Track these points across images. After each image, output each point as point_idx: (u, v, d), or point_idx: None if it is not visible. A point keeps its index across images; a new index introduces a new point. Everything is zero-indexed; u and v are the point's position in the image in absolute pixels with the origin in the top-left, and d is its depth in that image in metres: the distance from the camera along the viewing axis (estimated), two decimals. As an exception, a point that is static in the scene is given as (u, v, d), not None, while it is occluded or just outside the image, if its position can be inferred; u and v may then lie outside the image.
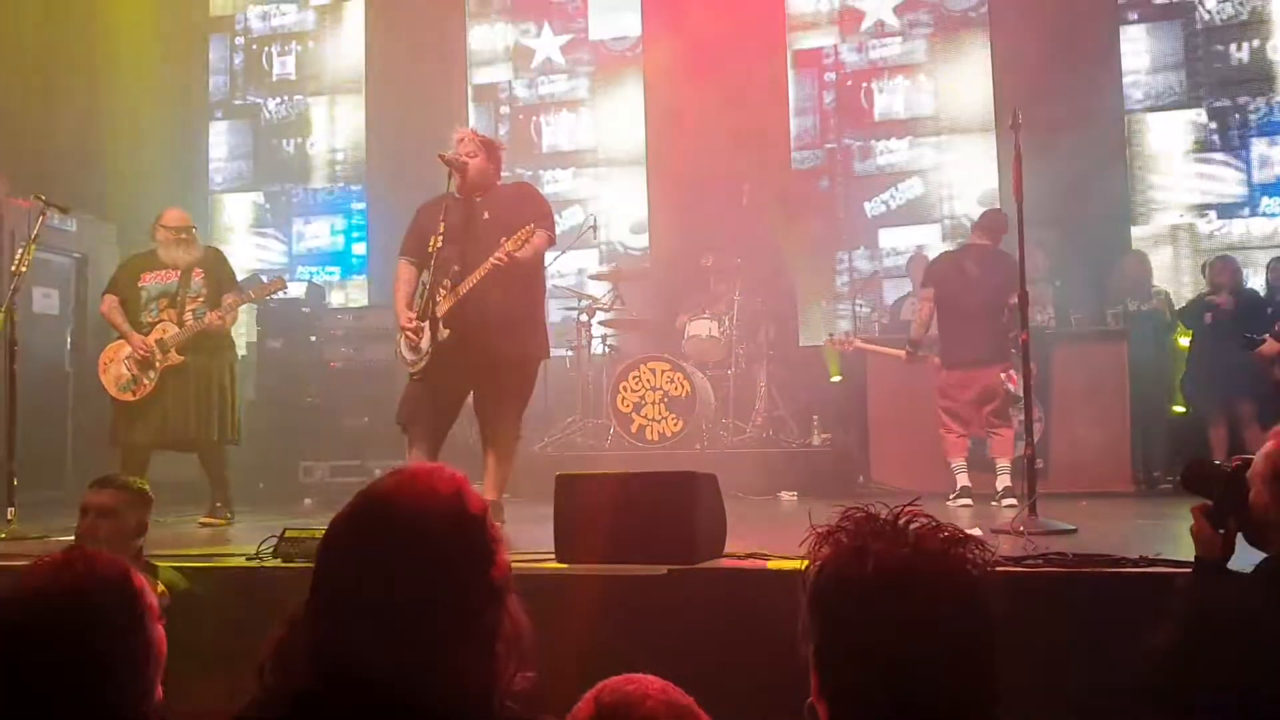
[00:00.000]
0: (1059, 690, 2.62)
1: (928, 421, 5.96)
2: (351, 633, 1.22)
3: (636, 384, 6.92)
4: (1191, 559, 2.31)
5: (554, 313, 8.05)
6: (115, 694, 1.47)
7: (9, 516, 4.83)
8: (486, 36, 9.42)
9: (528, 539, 3.70)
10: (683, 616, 3.08)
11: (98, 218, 7.98)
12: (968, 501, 5.56)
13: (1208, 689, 2.01)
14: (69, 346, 7.91)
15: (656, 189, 8.77)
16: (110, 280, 5.67)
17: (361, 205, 9.50)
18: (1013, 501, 5.29)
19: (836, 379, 7.34)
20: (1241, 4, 7.71)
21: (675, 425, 6.82)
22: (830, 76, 8.66)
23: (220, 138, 9.82)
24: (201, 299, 5.45)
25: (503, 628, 1.27)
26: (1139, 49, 7.94)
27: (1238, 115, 7.70)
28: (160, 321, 5.40)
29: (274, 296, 6.43)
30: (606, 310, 7.57)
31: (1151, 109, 7.88)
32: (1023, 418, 5.06)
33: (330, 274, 9.47)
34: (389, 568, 1.24)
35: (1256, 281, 7.02)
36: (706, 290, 7.57)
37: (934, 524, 1.23)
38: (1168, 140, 7.84)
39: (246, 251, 9.46)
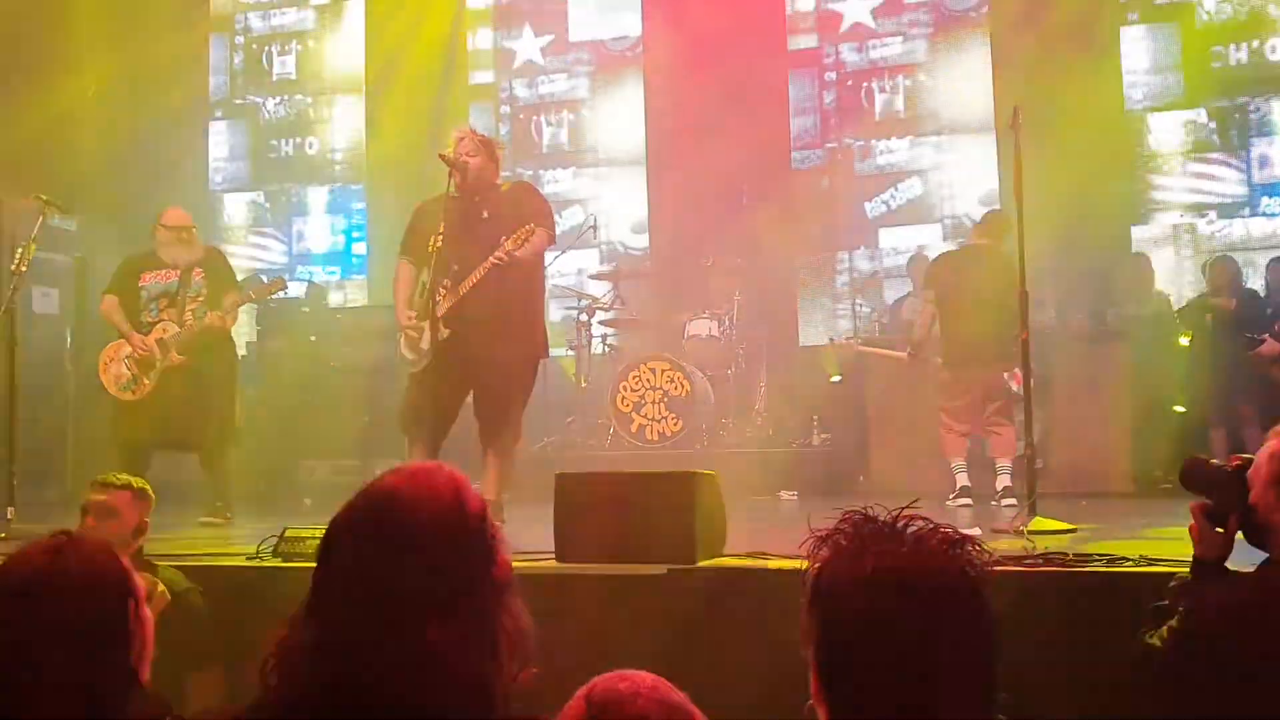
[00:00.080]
0: (1059, 690, 2.62)
1: (928, 421, 5.96)
2: (352, 632, 1.23)
3: (636, 383, 6.92)
4: (1190, 558, 2.31)
5: (554, 312, 8.06)
6: (99, 673, 1.48)
7: (9, 516, 4.82)
8: (484, 37, 9.42)
9: (528, 539, 3.70)
10: (683, 616, 3.08)
11: (97, 217, 7.98)
12: (967, 501, 5.56)
13: (1208, 689, 2.01)
14: (69, 346, 7.91)
15: (656, 189, 8.77)
16: (110, 280, 5.66)
17: (361, 205, 9.50)
18: (1012, 501, 5.28)
19: (836, 379, 7.34)
20: (1241, 4, 7.71)
21: (675, 425, 6.82)
22: (830, 76, 8.66)
23: (220, 137, 9.82)
24: (202, 299, 5.45)
25: (504, 627, 1.27)
26: (1139, 49, 7.93)
27: (1237, 115, 7.70)
28: (160, 321, 5.40)
29: (274, 296, 6.43)
30: (606, 310, 7.57)
31: (1151, 109, 7.87)
32: (1022, 416, 5.05)
33: (330, 274, 9.47)
34: (388, 567, 1.24)
35: (1256, 282, 7.02)
36: (707, 290, 7.57)
37: (932, 526, 1.23)
38: (1168, 140, 7.84)
39: (246, 251, 9.46)
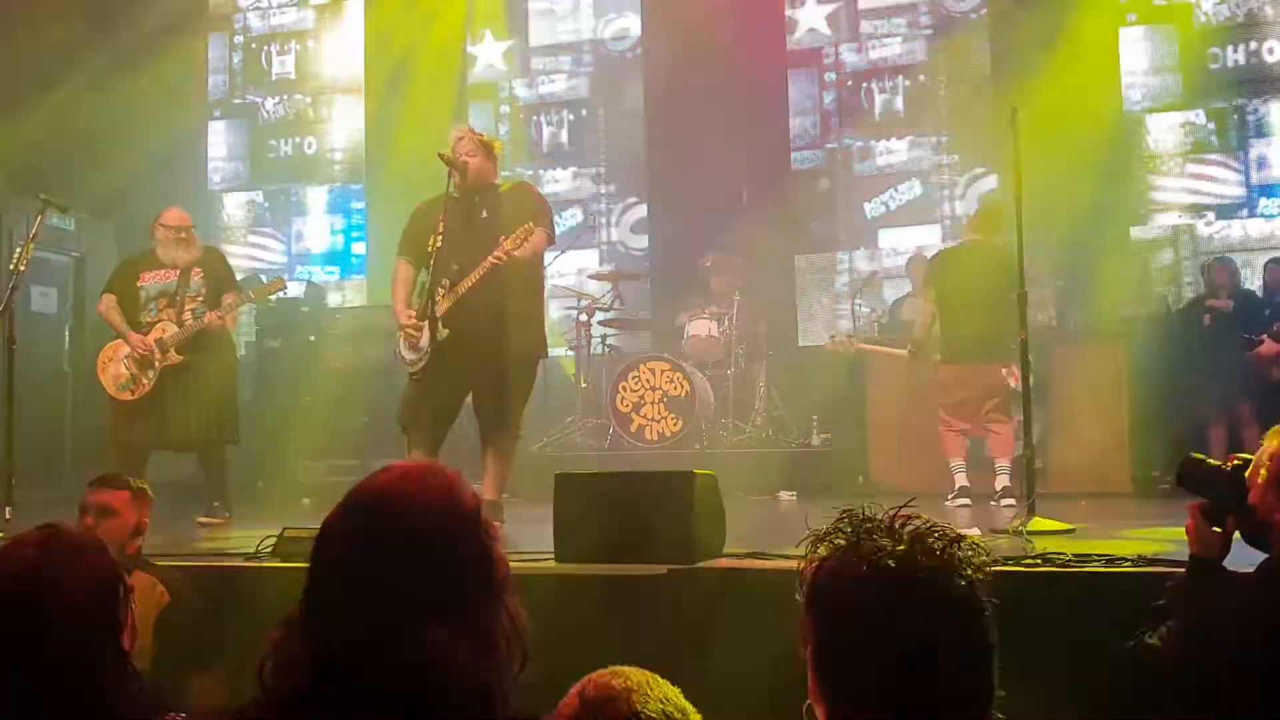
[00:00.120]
0: (1057, 690, 2.62)
1: (927, 421, 5.96)
2: (346, 632, 1.22)
3: (636, 384, 6.92)
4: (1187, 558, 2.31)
5: (554, 312, 8.06)
6: (95, 665, 1.48)
7: (6, 515, 4.82)
8: (483, 37, 9.42)
9: (527, 539, 3.70)
10: (682, 616, 3.08)
11: (96, 217, 7.98)
12: (966, 501, 5.56)
13: (1210, 689, 2.01)
14: (67, 346, 7.91)
15: (656, 189, 8.77)
16: (109, 279, 5.66)
17: (361, 205, 9.49)
18: (1011, 501, 5.28)
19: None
20: (1238, 6, 7.71)
21: (675, 425, 6.82)
22: (830, 77, 8.67)
23: (219, 137, 9.81)
24: (201, 299, 5.45)
25: (501, 626, 1.27)
26: (1138, 50, 7.94)
27: (1236, 116, 7.70)
28: (159, 321, 5.40)
29: (273, 296, 6.43)
30: (606, 310, 7.57)
31: (1150, 110, 7.88)
32: (1021, 417, 5.05)
33: (330, 274, 9.47)
34: (381, 566, 1.24)
35: (1255, 283, 7.02)
36: (706, 290, 7.57)
37: (930, 524, 1.23)
38: (1166, 141, 7.85)
39: (245, 251, 9.46)
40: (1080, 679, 2.69)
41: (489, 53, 9.38)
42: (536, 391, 5.07)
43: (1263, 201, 7.64)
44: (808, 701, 1.23)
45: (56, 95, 8.00)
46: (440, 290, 4.48)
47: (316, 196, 9.60)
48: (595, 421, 7.24)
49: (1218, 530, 2.21)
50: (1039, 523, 4.04)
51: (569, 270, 8.40)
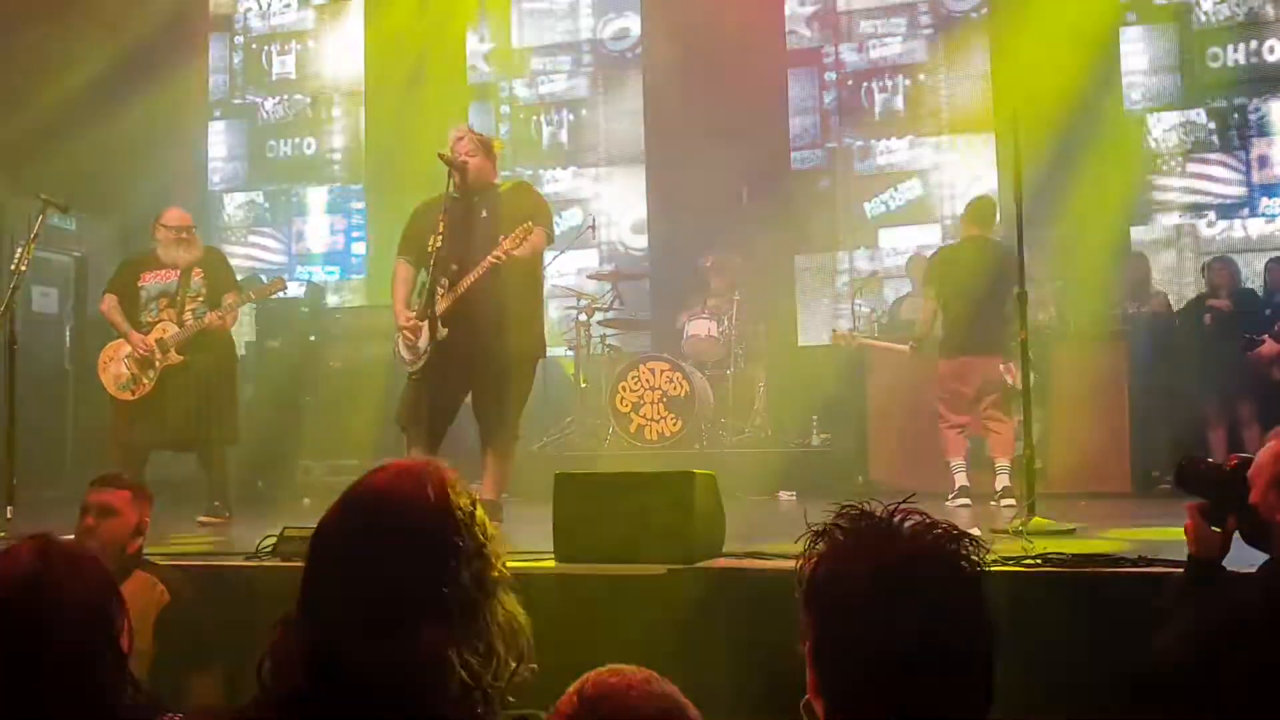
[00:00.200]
0: (1057, 689, 2.62)
1: (927, 422, 5.96)
2: (343, 630, 1.23)
3: (635, 384, 6.92)
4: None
5: (553, 312, 8.06)
6: (93, 671, 1.49)
7: (7, 515, 4.81)
8: (482, 37, 9.42)
9: (527, 538, 3.70)
10: (681, 616, 3.08)
11: (97, 217, 7.98)
12: (966, 501, 5.56)
13: (1208, 688, 2.01)
14: (68, 346, 7.91)
15: (656, 189, 8.77)
16: (109, 279, 5.67)
17: (361, 205, 9.49)
18: (1011, 501, 5.28)
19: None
20: (1238, 5, 7.71)
21: (674, 425, 6.82)
22: (830, 76, 8.67)
23: (219, 137, 9.82)
24: (201, 299, 5.45)
25: (497, 625, 1.27)
26: (1137, 49, 7.94)
27: (1236, 116, 7.70)
28: (160, 321, 5.40)
29: (273, 296, 6.43)
30: (606, 310, 7.58)
31: (1150, 109, 7.88)
32: (1021, 417, 5.06)
33: (330, 274, 9.47)
34: (377, 564, 1.24)
35: (1256, 283, 7.02)
36: (706, 290, 7.57)
37: (928, 521, 1.23)
38: (1167, 141, 7.85)
39: (246, 251, 9.46)
40: (1080, 679, 2.69)
41: (488, 53, 9.38)
42: (536, 391, 5.07)
43: (1264, 201, 7.64)
44: (806, 698, 1.23)
45: (57, 94, 8.01)
46: (440, 290, 4.48)
47: (316, 196, 9.61)
48: (595, 421, 7.24)
49: (1217, 530, 2.21)
50: (1039, 523, 4.04)
51: (569, 270, 8.40)
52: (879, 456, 6.69)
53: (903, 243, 8.32)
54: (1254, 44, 7.68)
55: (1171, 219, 7.86)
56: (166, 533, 4.22)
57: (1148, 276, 7.12)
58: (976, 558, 1.21)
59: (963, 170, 8.27)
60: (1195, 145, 7.77)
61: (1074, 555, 3.15)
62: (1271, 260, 6.86)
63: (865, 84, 8.58)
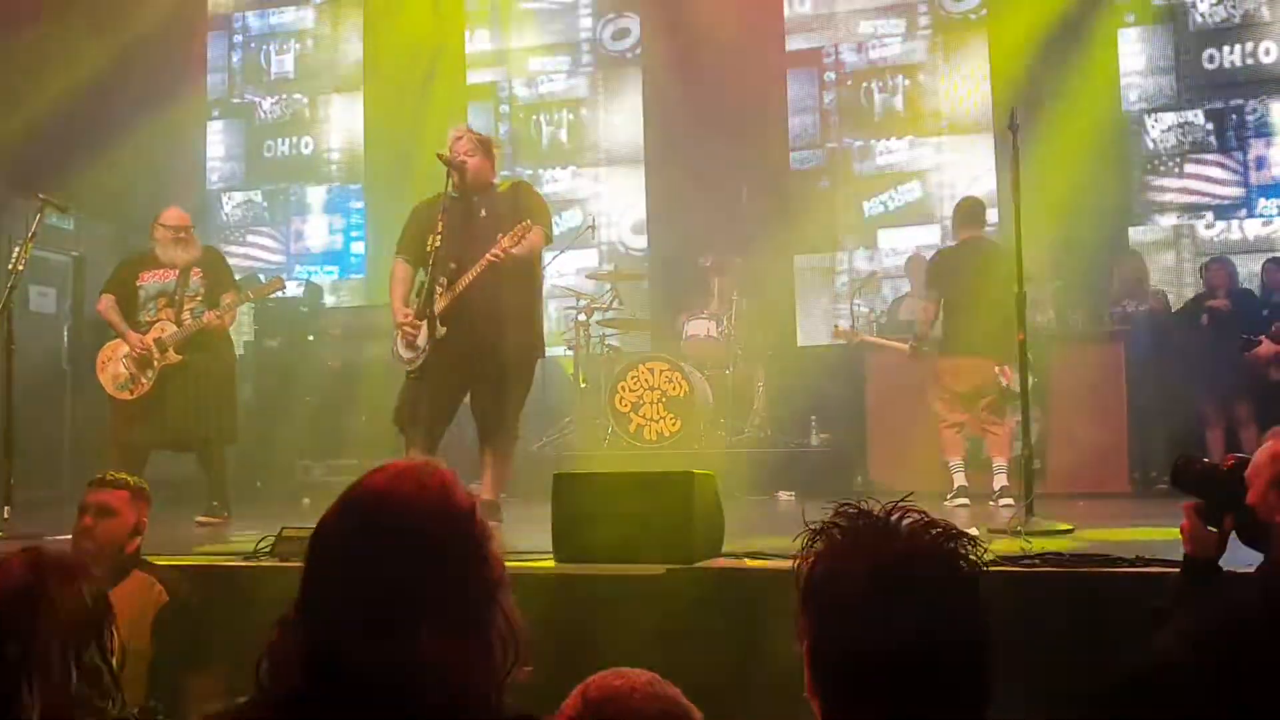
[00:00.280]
0: (1055, 689, 2.62)
1: (926, 422, 5.97)
2: (341, 631, 1.22)
3: (635, 384, 6.92)
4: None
5: (553, 312, 8.06)
6: (67, 679, 1.48)
7: (5, 515, 4.82)
8: (482, 37, 9.42)
9: (526, 539, 3.70)
10: (680, 616, 3.08)
11: (95, 216, 7.97)
12: (965, 501, 5.57)
13: (1206, 689, 2.01)
14: (66, 345, 7.91)
15: (656, 189, 8.77)
16: (108, 279, 5.66)
17: (360, 204, 9.49)
18: (1010, 501, 5.29)
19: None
20: (1234, 7, 7.72)
21: (673, 425, 6.82)
22: (830, 76, 8.67)
23: (218, 136, 9.82)
24: (199, 298, 5.45)
25: (496, 625, 1.27)
26: (1135, 50, 7.95)
27: (1234, 117, 7.71)
28: (158, 321, 5.39)
29: (272, 296, 6.43)
30: (605, 310, 7.58)
31: (1148, 110, 7.89)
32: (1019, 417, 5.06)
33: (328, 273, 9.47)
34: (376, 565, 1.24)
35: (1254, 284, 7.02)
36: (705, 290, 7.57)
37: (926, 520, 1.23)
38: (1165, 142, 7.86)
39: (244, 250, 9.46)
40: (1078, 679, 2.69)
41: (488, 52, 9.38)
42: (535, 391, 5.07)
43: (1261, 202, 7.65)
44: (803, 696, 1.23)
45: (56, 94, 8.00)
46: (438, 288, 4.48)
47: (315, 196, 9.60)
48: (594, 421, 7.24)
49: (1213, 530, 2.22)
50: (1038, 523, 4.04)
51: (568, 270, 8.40)
52: (878, 456, 6.69)
53: (902, 243, 8.32)
54: (1250, 45, 7.69)
55: (1170, 220, 7.87)
56: (165, 533, 4.22)
57: (1144, 275, 7.13)
58: (974, 557, 1.21)
59: (962, 171, 8.27)
60: (1193, 146, 7.78)
61: (1071, 555, 3.15)
62: (1269, 261, 6.86)
63: (865, 84, 8.59)
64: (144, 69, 8.51)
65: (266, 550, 3.64)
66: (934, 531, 1.21)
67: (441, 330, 4.44)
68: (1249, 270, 7.12)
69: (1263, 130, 7.66)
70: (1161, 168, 7.85)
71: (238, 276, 6.13)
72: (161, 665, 2.87)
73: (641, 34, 8.95)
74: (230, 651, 2.95)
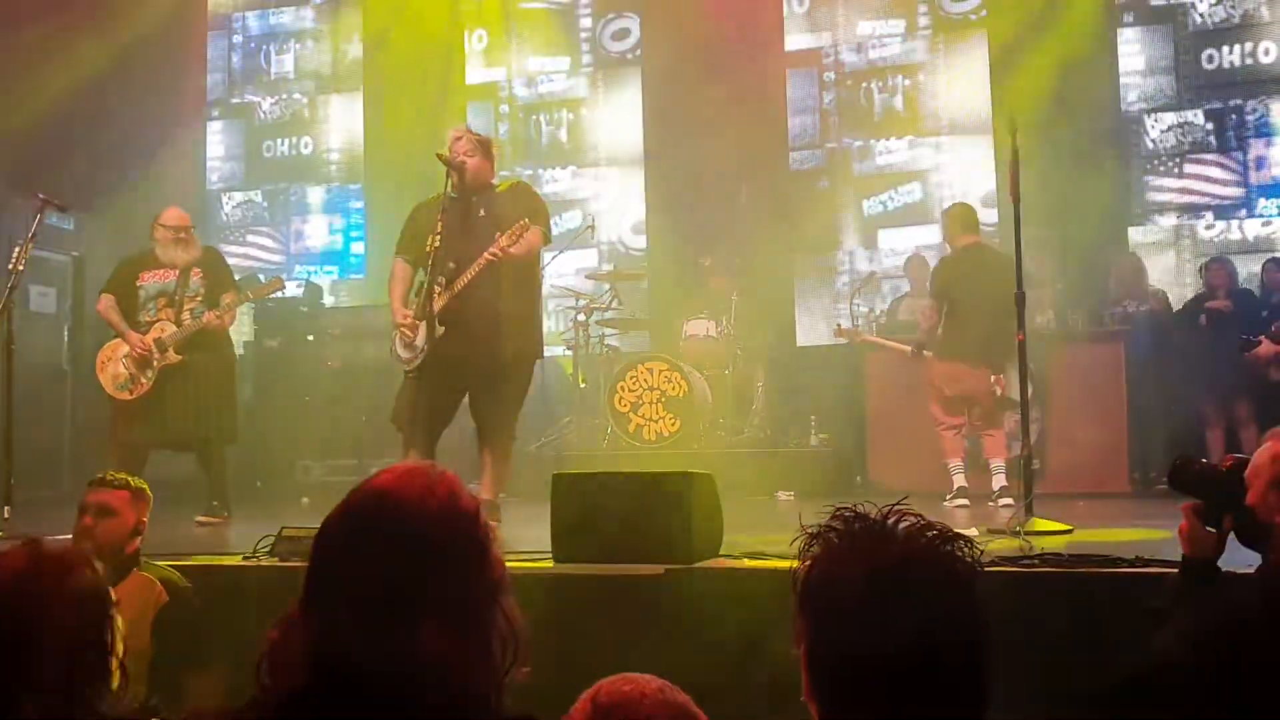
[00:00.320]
0: (1055, 690, 2.63)
1: (926, 422, 5.97)
2: (345, 631, 1.23)
3: (634, 384, 6.92)
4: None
5: (552, 312, 8.06)
6: (79, 679, 1.48)
7: (5, 515, 4.82)
8: (482, 37, 9.42)
9: (525, 539, 3.70)
10: (680, 616, 3.08)
11: (95, 216, 7.97)
12: (965, 502, 5.57)
13: (1205, 690, 2.01)
14: (66, 345, 7.91)
15: (655, 189, 8.77)
16: (108, 279, 5.66)
17: (359, 204, 9.49)
18: (1009, 501, 5.29)
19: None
20: (1233, 7, 7.72)
21: (672, 425, 6.82)
22: (830, 76, 8.67)
23: (217, 136, 9.82)
24: (199, 298, 5.45)
25: (498, 625, 1.27)
26: (1134, 51, 7.95)
27: (1234, 117, 7.71)
28: (158, 321, 5.39)
29: (272, 296, 6.43)
30: (605, 310, 7.58)
31: (1148, 110, 7.89)
32: (1018, 418, 5.06)
33: (328, 273, 9.47)
34: (382, 566, 1.24)
35: (1254, 284, 7.02)
36: (705, 290, 7.57)
37: (922, 522, 1.23)
38: (1164, 142, 7.86)
39: (244, 250, 9.46)
40: (1078, 679, 2.69)
41: (488, 52, 9.38)
42: (534, 391, 5.07)
43: (1261, 202, 7.65)
44: (801, 701, 1.23)
45: (56, 94, 8.00)
46: (437, 288, 4.48)
47: (315, 196, 9.60)
48: (593, 421, 7.24)
49: (1212, 531, 2.22)
50: (1037, 523, 4.04)
51: (567, 270, 8.41)
52: (877, 457, 6.70)
53: (902, 243, 8.32)
54: (1249, 45, 7.69)
55: (1169, 220, 7.87)
56: (165, 533, 4.22)
57: (1142, 276, 7.13)
58: (971, 559, 1.21)
59: (962, 171, 8.27)
60: (1193, 146, 7.78)
61: (1071, 555, 3.15)
62: (1269, 261, 6.87)
63: (865, 84, 8.59)
64: (144, 69, 8.51)
65: (266, 550, 3.64)
66: (930, 534, 1.21)
67: (440, 330, 4.44)
68: (1249, 270, 7.12)
69: (1262, 130, 7.66)
70: (1161, 168, 7.85)
71: (237, 276, 6.13)
72: (161, 665, 2.87)
73: (641, 34, 8.95)
74: (230, 651, 2.95)
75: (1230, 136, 7.70)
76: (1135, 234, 7.84)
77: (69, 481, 6.95)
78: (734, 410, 7.15)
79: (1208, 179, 7.75)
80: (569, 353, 7.60)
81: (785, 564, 1.32)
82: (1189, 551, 2.25)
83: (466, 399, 4.75)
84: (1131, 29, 7.98)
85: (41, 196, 5.23)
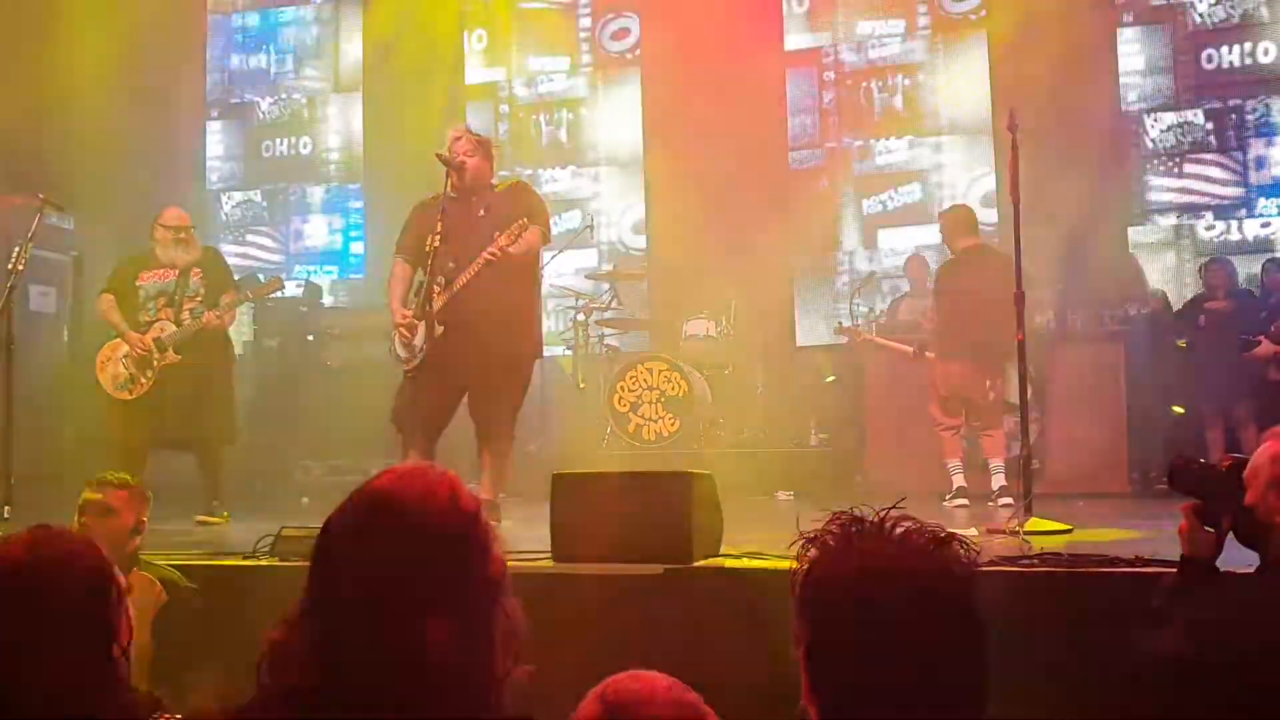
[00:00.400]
0: (1054, 690, 2.63)
1: (926, 422, 5.98)
2: (347, 630, 1.23)
3: (634, 383, 6.93)
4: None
5: (552, 312, 8.06)
6: (82, 666, 1.48)
7: (4, 514, 4.82)
8: (482, 37, 9.42)
9: (524, 538, 3.70)
10: (679, 616, 3.08)
11: (95, 216, 7.96)
12: (964, 502, 5.58)
13: (1211, 690, 2.01)
14: (66, 345, 7.90)
15: (655, 189, 8.77)
16: (107, 279, 5.67)
17: (359, 204, 9.49)
18: (1008, 500, 5.30)
19: (830, 379, 7.35)
20: (1233, 7, 7.72)
21: (672, 425, 6.82)
22: (829, 76, 8.67)
23: (217, 136, 9.81)
24: (199, 298, 5.45)
25: (498, 626, 1.27)
26: (1133, 50, 7.95)
27: (1233, 117, 7.71)
28: (158, 320, 5.40)
29: (271, 296, 6.43)
30: (604, 310, 7.58)
31: (1147, 110, 7.89)
32: (1017, 419, 5.06)
33: (328, 273, 9.47)
34: (383, 566, 1.25)
35: (1253, 284, 7.03)
36: (704, 290, 7.57)
37: (919, 525, 1.23)
38: (1164, 142, 7.86)
39: (243, 250, 9.45)
40: (1077, 680, 2.70)
41: (488, 52, 9.38)
42: (533, 391, 5.07)
43: (1261, 202, 7.65)
44: (801, 703, 1.23)
45: (56, 94, 8.00)
46: (436, 288, 4.49)
47: (315, 196, 9.60)
48: (592, 421, 7.24)
49: (1210, 531, 2.22)
50: (1036, 523, 4.04)
51: (567, 270, 8.40)
52: (877, 456, 6.70)
53: (902, 243, 8.32)
54: (1248, 45, 7.69)
55: (1169, 220, 7.87)
56: (165, 533, 4.22)
57: (1140, 277, 7.13)
58: (968, 560, 1.22)
59: (962, 171, 8.27)
60: (1192, 146, 7.78)
61: (1070, 555, 3.15)
62: (1269, 261, 6.87)
63: (864, 84, 8.58)
64: (143, 68, 8.50)
65: (266, 550, 3.64)
66: (926, 536, 1.22)
67: (439, 330, 4.45)
68: (1249, 271, 7.12)
69: (1262, 130, 7.66)
70: (1161, 168, 7.85)
71: (237, 276, 6.13)
72: (162, 665, 2.87)
73: (641, 34, 8.95)
74: (230, 651, 2.95)
75: (1230, 136, 7.70)
76: (1135, 234, 7.84)
77: (68, 481, 6.91)
78: (733, 410, 7.15)
79: (1207, 179, 7.75)
80: (569, 353, 7.60)
81: (785, 564, 1.32)
82: (1188, 551, 2.25)
83: (466, 399, 4.75)
84: (1131, 29, 7.98)
85: (41, 196, 5.23)
